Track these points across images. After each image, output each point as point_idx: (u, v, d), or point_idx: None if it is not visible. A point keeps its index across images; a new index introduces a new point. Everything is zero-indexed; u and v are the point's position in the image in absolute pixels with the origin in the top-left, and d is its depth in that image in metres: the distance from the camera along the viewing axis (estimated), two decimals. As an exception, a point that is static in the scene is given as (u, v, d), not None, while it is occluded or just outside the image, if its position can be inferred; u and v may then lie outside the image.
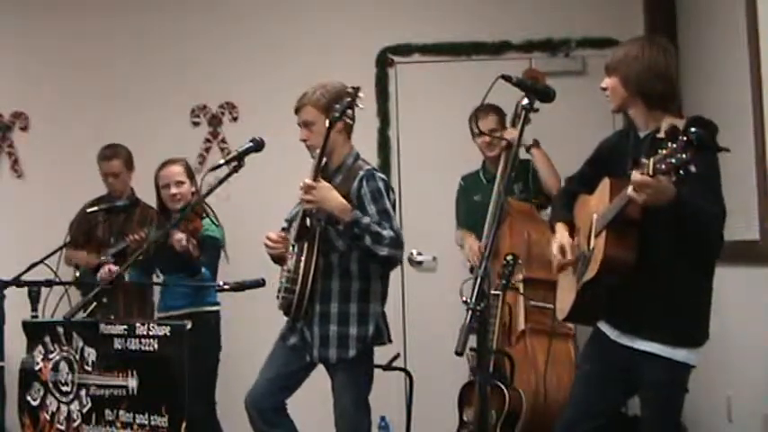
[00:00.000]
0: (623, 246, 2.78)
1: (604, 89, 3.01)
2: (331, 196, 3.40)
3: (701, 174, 2.56)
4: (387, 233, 3.40)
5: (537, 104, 3.07)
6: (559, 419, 3.17)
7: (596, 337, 3.08)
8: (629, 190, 2.60)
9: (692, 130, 2.36)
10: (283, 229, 3.74)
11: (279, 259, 3.66)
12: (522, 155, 4.63)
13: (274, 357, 3.65)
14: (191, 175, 4.41)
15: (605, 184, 2.91)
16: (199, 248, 4.14)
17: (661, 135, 2.74)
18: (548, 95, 2.86)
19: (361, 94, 3.44)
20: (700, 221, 2.75)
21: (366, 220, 3.40)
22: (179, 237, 4.04)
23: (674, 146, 2.38)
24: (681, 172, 2.37)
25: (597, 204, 2.94)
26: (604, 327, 3.04)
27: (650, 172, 2.47)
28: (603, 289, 2.87)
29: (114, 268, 4.33)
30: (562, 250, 3.06)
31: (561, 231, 3.14)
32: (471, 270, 4.52)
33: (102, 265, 4.50)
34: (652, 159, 2.47)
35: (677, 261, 2.84)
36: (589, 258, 2.90)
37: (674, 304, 2.85)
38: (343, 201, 3.41)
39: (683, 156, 2.35)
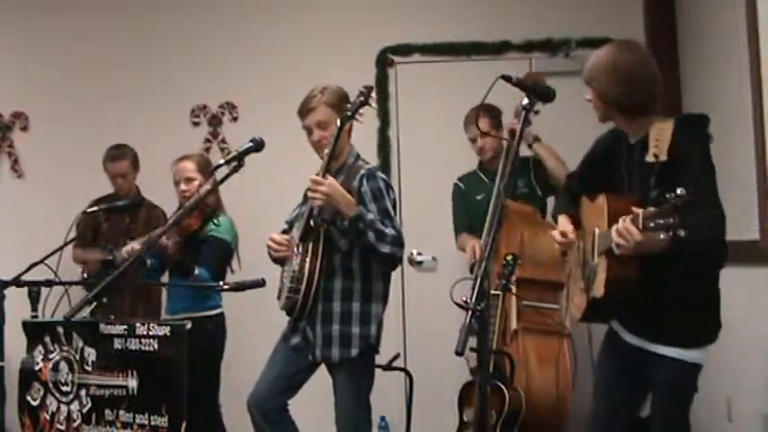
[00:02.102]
0: (625, 266, 2.79)
1: (590, 100, 3.01)
2: (337, 192, 3.41)
3: (699, 176, 2.57)
4: (389, 231, 3.42)
5: (537, 106, 3.06)
6: (589, 418, 3.17)
7: (610, 336, 3.11)
8: (614, 241, 2.62)
9: (677, 194, 2.38)
10: (284, 231, 3.74)
11: (279, 260, 3.66)
12: (523, 152, 4.63)
13: (276, 358, 3.64)
14: (204, 170, 4.35)
15: (603, 201, 2.91)
16: (181, 246, 4.06)
17: (650, 158, 2.74)
18: (548, 95, 2.85)
19: (373, 94, 3.45)
20: (699, 251, 2.73)
21: (370, 216, 3.42)
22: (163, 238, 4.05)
23: (664, 208, 2.41)
24: (670, 233, 2.41)
25: (598, 218, 2.93)
26: (618, 327, 3.05)
27: (640, 227, 2.51)
28: (614, 302, 2.88)
29: (137, 247, 4.28)
30: (563, 234, 3.08)
31: (563, 219, 3.16)
32: (472, 270, 4.52)
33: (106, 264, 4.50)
34: (642, 213, 2.50)
35: (683, 271, 2.84)
36: (595, 272, 2.90)
37: (685, 310, 2.86)
38: (349, 196, 3.42)
39: (671, 220, 2.39)
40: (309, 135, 3.60)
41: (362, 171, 3.54)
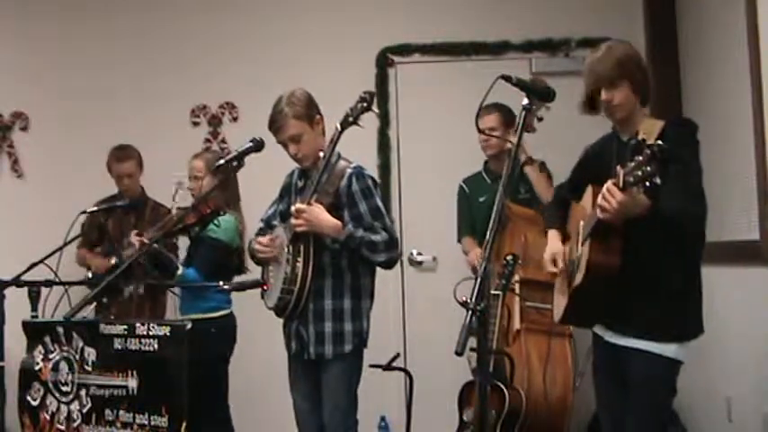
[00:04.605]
0: (606, 251, 2.79)
1: (610, 101, 2.93)
2: (322, 218, 3.41)
3: (680, 174, 2.58)
4: (380, 238, 3.43)
5: (541, 113, 3.05)
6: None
7: (595, 342, 3.10)
8: (599, 201, 2.66)
9: (657, 143, 2.43)
10: (261, 230, 3.74)
11: (263, 262, 3.66)
12: (533, 154, 4.64)
13: (300, 388, 3.63)
14: (214, 171, 4.29)
15: (589, 191, 2.92)
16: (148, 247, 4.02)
17: (650, 141, 2.76)
18: (547, 95, 2.85)
19: (374, 99, 3.44)
20: (677, 225, 2.78)
21: (359, 233, 3.42)
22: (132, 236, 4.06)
23: (640, 158, 2.45)
24: (647, 184, 2.45)
25: (583, 211, 2.94)
26: (598, 328, 3.05)
27: (620, 184, 2.54)
28: (593, 293, 2.87)
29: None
30: (553, 260, 3.10)
31: (553, 240, 3.17)
32: (474, 272, 4.52)
33: (112, 267, 4.52)
34: (622, 171, 2.54)
35: (661, 259, 2.85)
36: (578, 263, 2.91)
37: (660, 301, 2.86)
38: (334, 220, 3.42)
39: (648, 168, 2.42)
40: (285, 149, 3.58)
41: (349, 170, 3.54)
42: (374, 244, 3.42)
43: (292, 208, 3.43)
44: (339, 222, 3.43)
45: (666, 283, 2.86)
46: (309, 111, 3.54)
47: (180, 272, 4.10)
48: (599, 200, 2.67)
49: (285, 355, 3.69)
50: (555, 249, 3.11)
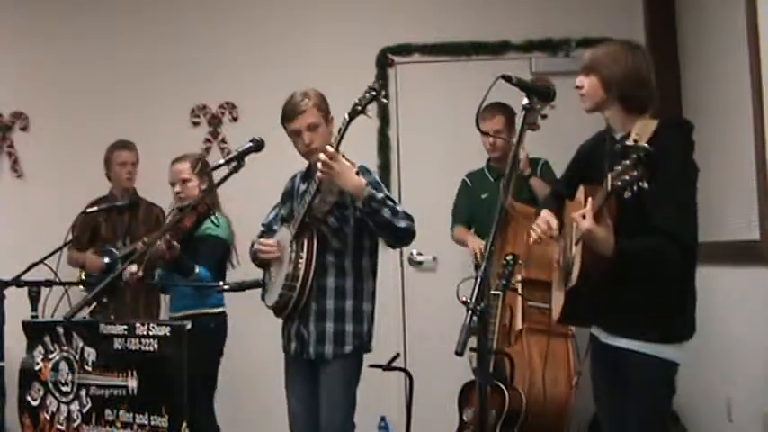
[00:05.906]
0: (599, 254, 2.78)
1: (579, 87, 2.98)
2: (349, 172, 3.34)
3: (664, 184, 2.57)
4: (400, 207, 3.41)
5: (544, 110, 3.05)
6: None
7: (591, 342, 3.10)
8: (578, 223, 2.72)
9: (643, 146, 2.46)
10: (262, 233, 3.74)
11: (264, 263, 3.66)
12: (535, 153, 4.64)
13: (294, 385, 3.62)
14: (200, 171, 4.34)
15: (581, 191, 2.91)
16: (172, 245, 4.02)
17: (630, 142, 2.76)
18: (548, 95, 2.85)
19: (383, 89, 3.44)
20: (645, 263, 2.79)
21: (380, 195, 3.38)
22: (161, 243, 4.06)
23: (627, 163, 2.48)
24: (634, 188, 2.49)
25: (576, 211, 2.93)
26: (594, 329, 3.05)
27: (608, 188, 2.56)
28: (589, 294, 2.87)
29: (134, 269, 4.28)
30: (546, 223, 3.06)
31: (546, 211, 3.14)
32: (476, 268, 4.52)
33: (110, 267, 4.52)
34: (610, 175, 2.55)
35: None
36: (572, 263, 2.90)
37: (656, 302, 2.85)
38: (359, 179, 3.35)
39: (635, 173, 2.46)
40: (298, 138, 3.54)
41: (355, 168, 3.53)
42: (396, 209, 3.37)
43: (320, 155, 3.33)
44: (363, 182, 3.36)
45: (662, 285, 2.85)
46: (326, 107, 3.56)
47: (197, 270, 4.11)
48: (575, 217, 2.72)
49: (276, 354, 3.67)
50: (547, 215, 3.09)
